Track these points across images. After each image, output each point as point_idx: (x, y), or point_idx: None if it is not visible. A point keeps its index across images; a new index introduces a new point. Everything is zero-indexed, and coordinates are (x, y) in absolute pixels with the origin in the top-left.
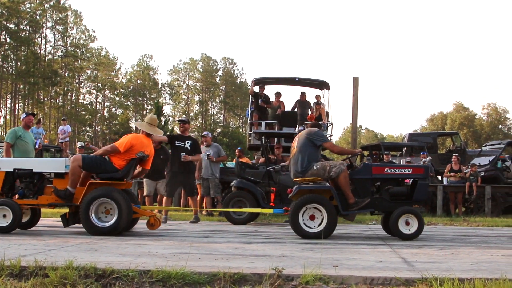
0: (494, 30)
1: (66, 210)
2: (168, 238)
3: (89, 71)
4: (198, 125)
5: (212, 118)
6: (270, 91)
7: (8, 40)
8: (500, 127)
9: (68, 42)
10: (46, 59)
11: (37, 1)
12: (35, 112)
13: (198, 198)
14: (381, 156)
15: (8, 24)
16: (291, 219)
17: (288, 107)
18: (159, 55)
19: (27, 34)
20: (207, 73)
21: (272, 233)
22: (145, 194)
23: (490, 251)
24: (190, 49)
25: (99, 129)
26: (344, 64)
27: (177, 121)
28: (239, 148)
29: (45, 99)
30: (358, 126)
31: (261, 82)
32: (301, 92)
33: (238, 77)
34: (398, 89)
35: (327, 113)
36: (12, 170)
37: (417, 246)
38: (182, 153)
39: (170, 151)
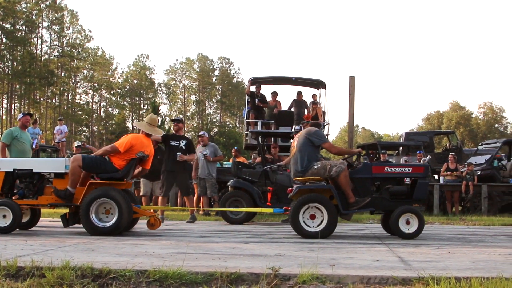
0: (490, 29)
1: (64, 210)
2: (165, 238)
3: (85, 71)
4: (195, 125)
5: (209, 117)
6: (266, 90)
7: (4, 40)
8: (497, 126)
9: (64, 42)
10: (42, 59)
11: (33, 1)
12: (31, 112)
13: (195, 198)
14: (377, 156)
15: (4, 24)
16: (292, 219)
17: (284, 106)
18: (156, 54)
19: (23, 34)
20: (203, 73)
21: (269, 233)
22: (141, 194)
23: (486, 250)
24: (187, 49)
25: (95, 129)
26: (340, 63)
27: (171, 121)
28: (235, 147)
29: (41, 99)
30: (354, 125)
31: (258, 81)
32: (298, 92)
33: (235, 77)
34: (395, 88)
35: (324, 112)
36: (12, 170)
37: (413, 245)
38: (178, 153)
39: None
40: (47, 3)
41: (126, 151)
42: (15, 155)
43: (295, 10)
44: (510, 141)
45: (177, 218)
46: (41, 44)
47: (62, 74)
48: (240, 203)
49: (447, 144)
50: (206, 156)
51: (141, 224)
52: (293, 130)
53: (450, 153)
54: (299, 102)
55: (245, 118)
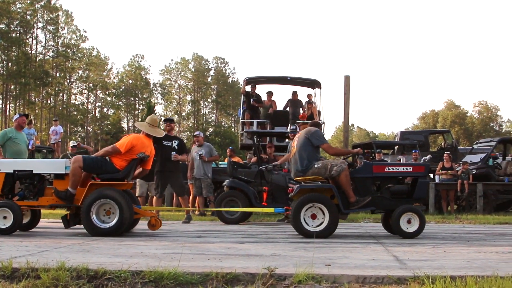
0: (485, 28)
1: (62, 211)
2: (161, 238)
3: (80, 71)
4: (190, 125)
5: (204, 117)
6: (261, 90)
7: None
8: (492, 124)
9: (59, 42)
10: (37, 60)
11: (28, 1)
12: (27, 113)
13: (191, 198)
14: (373, 155)
15: None
16: (293, 218)
17: (280, 106)
18: (151, 55)
19: (18, 34)
20: (198, 73)
21: (264, 233)
22: (137, 194)
23: (481, 248)
24: (182, 49)
25: (91, 130)
26: (335, 62)
27: (163, 121)
28: (230, 147)
29: (36, 99)
30: (350, 124)
31: (253, 81)
32: (293, 91)
33: (230, 77)
34: (390, 87)
35: (319, 112)
36: (12, 171)
37: (409, 244)
38: (172, 152)
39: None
40: (42, 3)
41: (127, 152)
42: (10, 156)
43: (290, 10)
44: (505, 139)
45: (173, 218)
46: (36, 44)
47: (57, 74)
48: (235, 203)
49: (442, 143)
50: (201, 156)
51: (138, 225)
52: (288, 129)
53: (445, 152)
54: (294, 101)
55: (240, 118)
